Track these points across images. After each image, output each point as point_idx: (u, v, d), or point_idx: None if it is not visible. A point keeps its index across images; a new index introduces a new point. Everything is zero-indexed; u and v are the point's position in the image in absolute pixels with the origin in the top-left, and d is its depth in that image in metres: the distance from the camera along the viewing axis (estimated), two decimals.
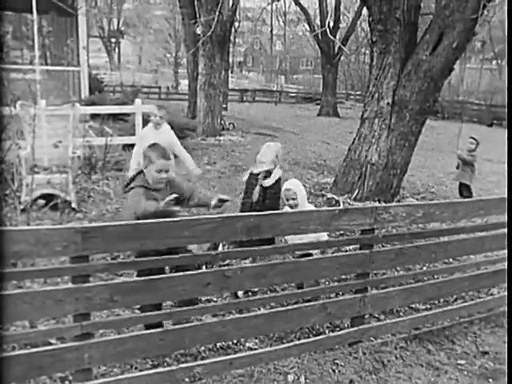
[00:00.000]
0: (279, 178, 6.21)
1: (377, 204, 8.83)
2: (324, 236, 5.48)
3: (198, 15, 16.83)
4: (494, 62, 50.69)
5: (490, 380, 4.88)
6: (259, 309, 5.28)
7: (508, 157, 4.98)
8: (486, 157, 18.69)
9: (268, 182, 6.13)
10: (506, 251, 6.60)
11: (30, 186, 6.57)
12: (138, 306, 4.73)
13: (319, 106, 34.75)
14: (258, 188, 6.14)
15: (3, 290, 3.56)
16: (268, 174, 6.16)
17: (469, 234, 5.91)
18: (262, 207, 5.89)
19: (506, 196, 5.30)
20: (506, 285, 5.75)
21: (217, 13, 13.74)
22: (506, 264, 5.65)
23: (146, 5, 56.03)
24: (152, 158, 4.72)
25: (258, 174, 6.19)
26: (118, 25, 62.47)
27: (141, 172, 4.85)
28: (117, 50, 65.14)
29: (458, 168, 11.47)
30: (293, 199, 5.71)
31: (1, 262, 3.51)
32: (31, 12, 13.59)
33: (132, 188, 4.77)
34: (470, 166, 11.25)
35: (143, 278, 4.06)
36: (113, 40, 63.38)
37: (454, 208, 5.47)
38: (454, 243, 5.64)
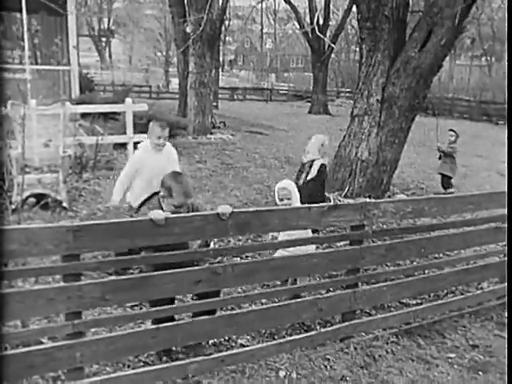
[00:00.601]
0: (321, 166, 7.33)
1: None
2: (308, 233, 5.50)
3: (187, 14, 16.83)
4: (484, 59, 50.85)
5: (480, 373, 4.93)
6: (250, 305, 5.29)
7: (508, 155, 5.02)
8: (476, 153, 18.80)
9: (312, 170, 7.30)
10: (496, 246, 6.70)
11: (20, 186, 6.57)
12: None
13: (310, 104, 34.78)
14: (303, 175, 7.34)
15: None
16: (313, 162, 7.36)
17: (458, 228, 5.95)
18: (306, 191, 6.90)
19: (506, 194, 5.35)
20: (506, 285, 5.81)
21: (206, 11, 13.73)
22: (506, 265, 5.72)
23: (135, 4, 55.87)
24: (173, 191, 4.40)
25: (305, 164, 7.45)
26: (109, 24, 62.28)
27: (154, 195, 4.67)
28: (107, 49, 64.96)
29: (440, 160, 11.83)
30: (288, 199, 5.71)
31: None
32: (20, 11, 13.57)
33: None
34: (450, 158, 11.66)
35: (134, 276, 4.08)
36: (103, 39, 63.21)
37: (443, 203, 5.52)
38: (443, 238, 5.69)
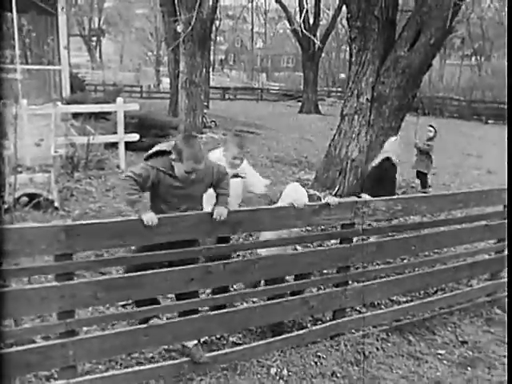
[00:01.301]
0: (385, 158, 7.65)
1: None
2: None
3: (178, 13, 16.84)
4: (473, 59, 51.05)
5: (469, 368, 5.00)
6: (241, 304, 5.32)
7: (508, 154, 5.08)
8: (466, 151, 18.92)
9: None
10: (485, 244, 6.76)
11: (13, 186, 6.58)
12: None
13: (300, 103, 34.85)
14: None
15: None
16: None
17: (448, 226, 6.01)
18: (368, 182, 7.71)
19: (507, 192, 5.41)
20: (506, 285, 5.89)
21: (196, 11, 13.74)
22: (507, 264, 5.79)
23: (126, 3, 55.71)
24: (183, 156, 4.17)
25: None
26: (99, 23, 62.11)
27: (167, 153, 4.31)
28: (98, 48, 64.75)
29: (416, 157, 11.91)
30: None
31: None
32: (11, 10, 13.54)
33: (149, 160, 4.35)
34: (426, 155, 11.72)
35: (127, 275, 4.10)
36: (94, 39, 63.02)
37: (433, 201, 5.58)
38: (433, 236, 5.75)
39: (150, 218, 3.94)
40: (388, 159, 7.62)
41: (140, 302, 4.33)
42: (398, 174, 8.18)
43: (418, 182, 12.00)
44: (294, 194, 4.91)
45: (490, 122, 33.21)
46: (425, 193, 11.29)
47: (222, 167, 4.62)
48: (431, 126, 11.89)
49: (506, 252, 6.14)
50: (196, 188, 4.43)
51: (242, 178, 5.34)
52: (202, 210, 4.54)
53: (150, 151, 4.39)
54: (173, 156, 4.23)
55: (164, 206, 4.34)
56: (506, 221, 5.80)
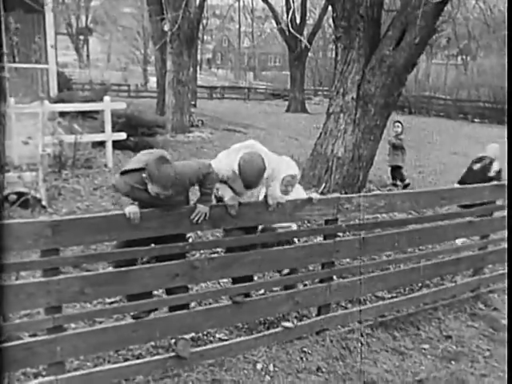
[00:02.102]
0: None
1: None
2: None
3: (165, 12, 16.84)
4: (459, 58, 51.25)
5: (453, 362, 5.09)
6: (227, 300, 5.37)
7: (508, 151, 5.15)
8: (453, 150, 19.04)
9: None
10: (470, 240, 6.85)
11: (1, 184, 6.58)
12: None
13: (287, 102, 34.90)
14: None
15: None
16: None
17: (432, 222, 6.08)
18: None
19: (506, 188, 5.47)
20: (506, 284, 5.97)
21: (182, 9, 13.76)
22: (507, 266, 5.86)
23: (113, 2, 55.51)
24: (152, 178, 4.03)
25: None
26: (86, 22, 61.81)
27: (141, 170, 4.15)
28: (85, 47, 64.43)
29: (389, 155, 12.04)
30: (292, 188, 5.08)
31: None
32: None
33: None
34: (401, 149, 11.88)
35: (113, 270, 4.14)
36: (81, 37, 62.69)
37: (416, 198, 5.65)
38: (417, 232, 5.82)
39: (131, 211, 3.98)
40: (490, 163, 8.11)
41: (133, 297, 4.37)
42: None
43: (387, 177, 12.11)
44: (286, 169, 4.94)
45: (475, 120, 33.45)
46: (406, 186, 11.47)
47: (204, 167, 4.44)
48: (398, 121, 12.11)
49: (492, 248, 6.24)
50: (173, 199, 4.30)
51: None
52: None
53: (127, 167, 4.35)
54: (144, 175, 4.09)
55: None
56: (506, 216, 5.86)
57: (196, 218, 4.26)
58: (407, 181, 11.74)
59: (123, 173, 4.30)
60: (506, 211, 5.84)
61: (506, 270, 6.04)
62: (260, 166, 4.39)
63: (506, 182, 5.48)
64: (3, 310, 3.88)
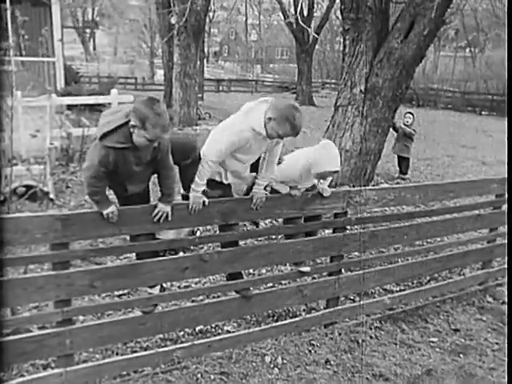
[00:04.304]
0: None
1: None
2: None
3: (172, 4, 16.82)
4: (468, 50, 51.05)
5: (461, 355, 5.08)
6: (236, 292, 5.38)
7: (508, 148, 5.13)
8: (461, 143, 18.98)
9: None
10: (477, 233, 6.83)
11: (9, 178, 6.60)
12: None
13: (295, 95, 34.83)
14: None
15: None
16: None
17: (441, 215, 6.06)
18: None
19: (506, 184, 5.46)
20: (507, 282, 5.95)
21: (190, 2, 13.74)
22: (507, 263, 5.84)
23: None
24: (147, 122, 3.63)
25: None
26: (93, 15, 61.87)
27: (125, 124, 3.75)
28: (92, 40, 64.53)
29: (395, 144, 11.99)
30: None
31: None
32: (4, 1, 13.49)
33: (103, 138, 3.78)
34: (409, 140, 11.84)
35: (122, 264, 4.15)
36: (88, 31, 62.78)
37: (425, 191, 5.63)
38: (425, 225, 5.81)
39: (109, 212, 3.84)
40: None
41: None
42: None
43: (410, 173, 12.06)
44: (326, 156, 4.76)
45: (483, 113, 33.33)
46: (404, 179, 11.44)
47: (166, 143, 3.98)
48: (409, 112, 12.08)
49: (501, 241, 6.22)
50: (147, 168, 4.03)
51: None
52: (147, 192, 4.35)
53: (106, 129, 3.76)
54: (132, 122, 3.68)
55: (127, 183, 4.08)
56: (506, 212, 5.85)
57: (157, 218, 4.04)
58: (408, 176, 11.72)
59: (103, 136, 3.76)
60: (506, 208, 5.83)
61: (506, 266, 6.03)
62: (299, 107, 4.20)
63: (506, 178, 5.46)
64: (7, 304, 3.91)
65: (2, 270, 3.95)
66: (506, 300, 5.97)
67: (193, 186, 4.21)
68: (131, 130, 3.70)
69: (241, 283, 4.74)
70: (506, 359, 4.57)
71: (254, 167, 4.65)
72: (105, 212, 3.81)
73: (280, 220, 5.57)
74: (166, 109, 3.81)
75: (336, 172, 4.77)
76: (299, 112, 4.13)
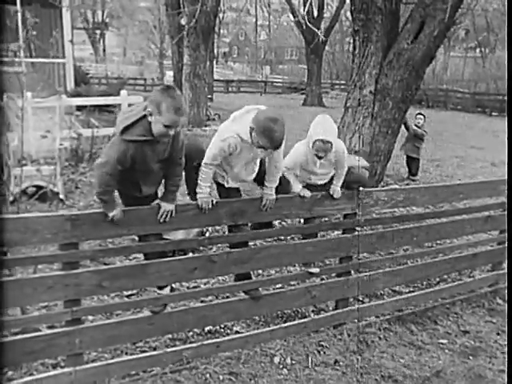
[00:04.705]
0: None
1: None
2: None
3: (182, 6, 16.85)
4: (478, 51, 50.85)
5: (471, 357, 5.05)
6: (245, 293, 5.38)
7: (508, 146, 5.11)
8: (470, 144, 18.91)
9: None
10: (487, 235, 6.80)
11: (18, 178, 6.64)
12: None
13: (304, 96, 34.81)
14: None
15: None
16: None
17: (450, 217, 6.04)
18: None
19: (506, 184, 5.43)
20: (507, 282, 5.92)
21: (200, 3, 13.76)
22: (507, 262, 5.82)
23: None
24: (162, 107, 3.71)
25: None
26: (103, 16, 62.02)
27: (144, 117, 3.83)
28: (102, 42, 64.71)
29: (405, 144, 11.92)
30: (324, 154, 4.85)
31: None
32: (15, 3, 13.55)
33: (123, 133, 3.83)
34: (420, 141, 11.80)
35: (131, 264, 4.16)
36: (97, 32, 62.96)
37: (434, 192, 5.62)
38: (435, 226, 5.79)
39: (115, 215, 3.84)
40: None
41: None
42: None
43: (420, 174, 12.02)
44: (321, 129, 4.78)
45: (494, 114, 33.17)
46: (413, 180, 11.40)
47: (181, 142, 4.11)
48: (420, 113, 12.03)
49: (506, 244, 6.18)
50: (163, 166, 4.08)
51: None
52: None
53: (126, 123, 3.84)
54: (149, 109, 3.77)
55: (141, 183, 4.14)
56: (506, 213, 5.83)
57: (163, 218, 4.06)
58: (417, 177, 11.69)
59: (124, 130, 3.82)
60: (506, 211, 5.79)
61: (506, 272, 6.01)
62: (281, 120, 4.11)
63: (506, 180, 5.43)
64: (17, 303, 3.94)
65: (10, 269, 3.98)
66: (506, 299, 5.94)
67: (197, 189, 4.26)
68: (149, 118, 3.77)
69: (249, 284, 4.74)
70: (507, 359, 4.56)
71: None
72: (111, 214, 3.83)
73: (289, 221, 5.57)
74: (181, 94, 3.87)
75: (327, 142, 4.70)
76: (279, 125, 4.07)
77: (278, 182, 4.54)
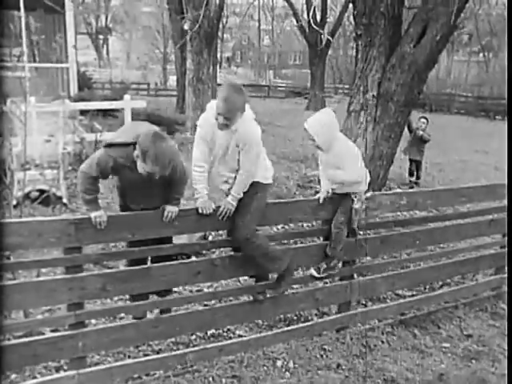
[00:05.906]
0: None
1: None
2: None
3: (185, 11, 16.88)
4: (481, 55, 50.79)
5: (473, 361, 5.06)
6: (248, 297, 5.38)
7: (508, 150, 5.12)
8: (474, 148, 18.90)
9: None
10: (490, 239, 6.79)
11: (21, 182, 6.66)
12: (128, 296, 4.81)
13: (307, 100, 34.80)
14: None
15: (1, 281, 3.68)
16: None
17: (453, 220, 6.05)
18: None
19: (506, 188, 5.44)
20: (506, 282, 5.93)
21: (203, 8, 13.79)
22: (506, 266, 5.83)
23: (133, 1, 55.78)
24: (147, 155, 3.72)
25: None
26: (106, 21, 62.22)
27: (130, 145, 3.89)
28: (105, 46, 64.88)
29: (408, 147, 11.85)
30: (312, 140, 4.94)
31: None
32: (18, 9, 13.60)
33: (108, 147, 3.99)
34: (423, 144, 11.76)
35: (135, 268, 4.17)
36: (101, 37, 63.14)
37: (437, 196, 5.62)
38: (438, 230, 5.79)
39: (97, 216, 3.83)
40: None
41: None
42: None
43: (423, 178, 12.01)
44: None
45: (497, 118, 33.12)
46: (416, 184, 11.39)
47: (182, 170, 4.21)
48: (424, 117, 12.01)
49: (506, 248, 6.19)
50: (156, 186, 4.12)
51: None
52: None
53: (113, 140, 4.01)
54: (136, 152, 3.81)
55: (128, 200, 4.37)
56: (506, 216, 5.83)
57: (168, 219, 4.08)
58: (420, 180, 11.69)
59: (108, 146, 3.98)
60: (506, 213, 5.80)
61: (507, 275, 6.02)
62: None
63: (506, 182, 5.44)
64: (20, 306, 3.95)
65: (13, 273, 3.99)
66: (507, 303, 5.94)
67: (195, 194, 4.31)
68: (134, 156, 3.86)
69: (253, 287, 4.75)
70: (507, 359, 4.57)
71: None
72: (93, 215, 3.83)
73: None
74: (172, 145, 3.94)
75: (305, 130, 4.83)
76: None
77: (241, 193, 4.37)
